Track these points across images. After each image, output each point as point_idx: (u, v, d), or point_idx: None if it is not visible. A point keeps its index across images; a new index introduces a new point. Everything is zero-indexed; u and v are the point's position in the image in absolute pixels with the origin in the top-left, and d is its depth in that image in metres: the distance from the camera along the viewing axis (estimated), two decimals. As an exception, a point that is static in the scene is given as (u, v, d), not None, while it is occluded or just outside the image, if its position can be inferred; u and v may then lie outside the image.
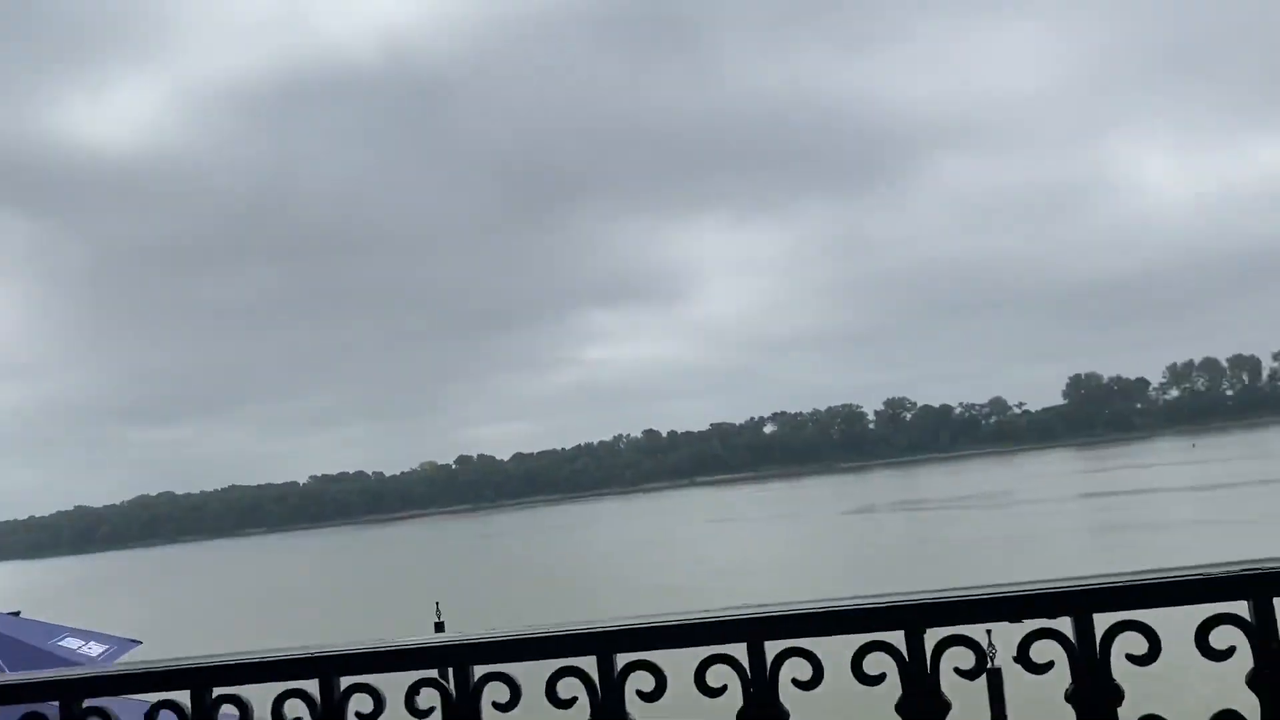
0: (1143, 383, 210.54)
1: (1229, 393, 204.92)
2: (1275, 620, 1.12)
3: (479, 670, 1.29)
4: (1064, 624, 1.16)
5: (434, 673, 1.30)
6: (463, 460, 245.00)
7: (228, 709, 1.36)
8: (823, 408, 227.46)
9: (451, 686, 1.29)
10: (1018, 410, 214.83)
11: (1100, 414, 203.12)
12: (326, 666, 1.29)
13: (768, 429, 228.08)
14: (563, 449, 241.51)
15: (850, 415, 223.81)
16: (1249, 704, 1.13)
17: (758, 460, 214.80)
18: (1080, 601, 1.15)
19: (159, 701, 1.36)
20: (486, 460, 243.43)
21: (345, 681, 1.32)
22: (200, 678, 1.35)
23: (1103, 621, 1.15)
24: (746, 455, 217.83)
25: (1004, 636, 1.19)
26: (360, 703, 1.31)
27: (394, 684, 1.32)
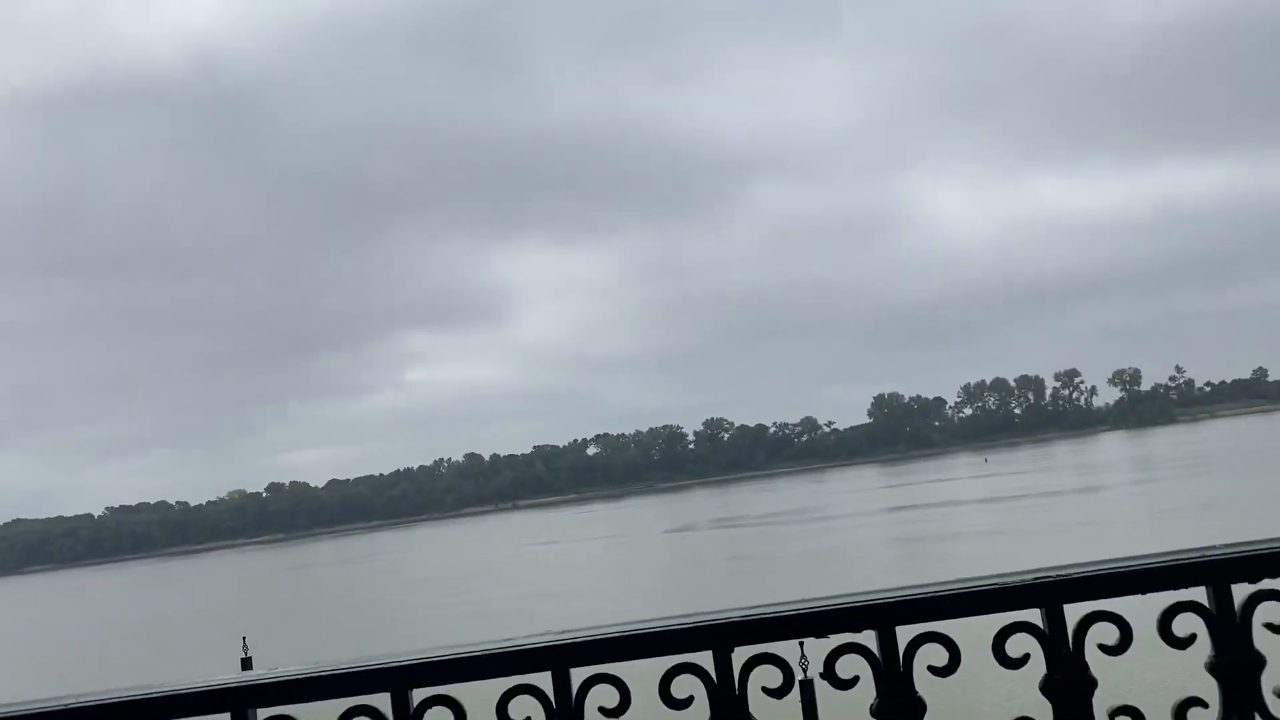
0: (940, 401, 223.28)
1: (1017, 411, 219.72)
2: (1065, 627, 1.15)
3: (264, 714, 1.18)
4: (869, 638, 1.16)
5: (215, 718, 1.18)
6: (274, 488, 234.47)
7: None
8: (644, 428, 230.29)
9: (231, 735, 1.17)
10: (827, 429, 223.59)
11: (902, 431, 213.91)
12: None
13: (590, 450, 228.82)
14: (381, 474, 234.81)
15: (671, 435, 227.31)
16: (1043, 709, 1.16)
17: (580, 482, 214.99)
18: (883, 615, 1.16)
19: None
20: (300, 487, 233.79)
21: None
22: None
23: (905, 634, 1.16)
24: (569, 477, 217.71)
25: (814, 651, 1.18)
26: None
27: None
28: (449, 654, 1.15)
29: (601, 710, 1.16)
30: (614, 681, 1.15)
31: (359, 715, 1.15)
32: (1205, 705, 1.14)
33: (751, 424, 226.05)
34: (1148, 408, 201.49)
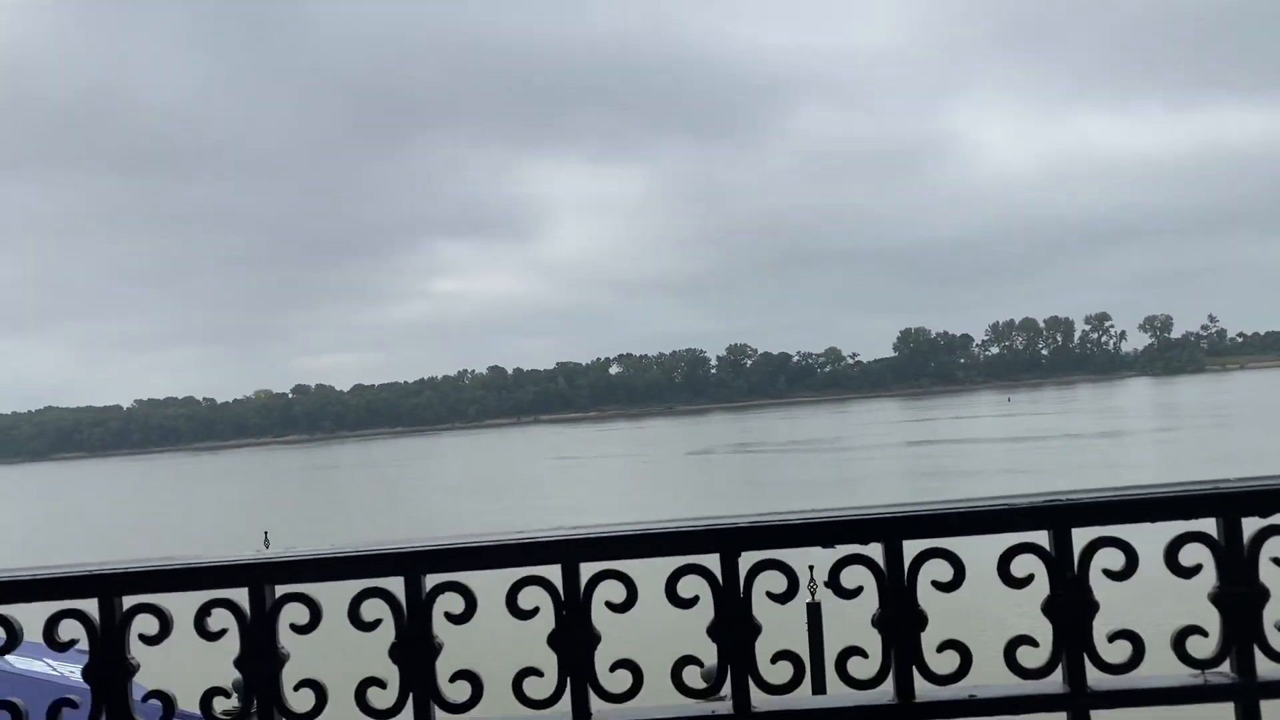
0: (967, 339, 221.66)
1: (1044, 352, 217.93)
2: (1072, 551, 1.16)
3: (279, 590, 1.22)
4: (875, 550, 1.17)
5: (232, 591, 1.22)
6: (300, 390, 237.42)
7: None
8: (667, 351, 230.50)
9: (247, 607, 1.21)
10: (851, 361, 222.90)
11: (926, 367, 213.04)
12: (107, 585, 1.19)
13: (613, 369, 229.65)
14: (405, 382, 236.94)
15: (694, 359, 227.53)
16: (1043, 629, 1.17)
17: (601, 400, 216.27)
18: (890, 529, 1.17)
19: None
20: (325, 390, 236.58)
21: (128, 602, 1.22)
22: None
23: (911, 549, 1.17)
24: (591, 395, 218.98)
25: (820, 560, 1.20)
26: (145, 624, 1.22)
27: (186, 603, 1.23)
28: (462, 542, 1.18)
29: (608, 605, 1.18)
30: (621, 578, 1.17)
31: (372, 596, 1.18)
32: (1205, 634, 1.14)
33: (775, 352, 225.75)
34: (1176, 355, 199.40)
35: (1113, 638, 1.15)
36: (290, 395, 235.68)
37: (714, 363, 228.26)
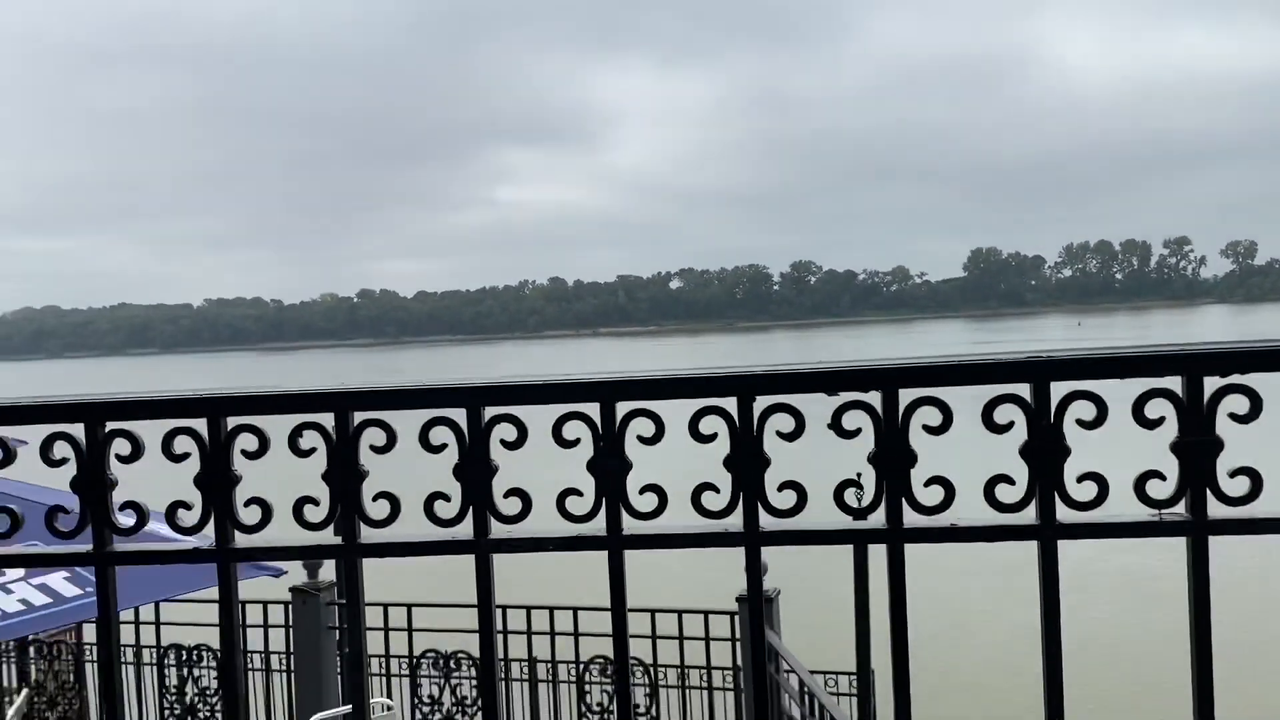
0: (1039, 260, 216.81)
1: (1119, 275, 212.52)
2: (1049, 402, 1.31)
3: (360, 416, 1.42)
4: (874, 398, 1.33)
5: (318, 416, 1.42)
6: (365, 294, 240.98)
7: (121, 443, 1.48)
8: (729, 266, 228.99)
9: (333, 430, 1.41)
10: (919, 280, 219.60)
11: (996, 288, 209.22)
12: (216, 406, 1.41)
13: (674, 284, 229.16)
14: (468, 290, 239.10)
15: (756, 275, 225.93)
16: (1020, 470, 1.33)
17: (661, 314, 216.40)
18: (888, 379, 1.33)
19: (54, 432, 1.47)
20: (389, 296, 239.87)
21: (232, 422, 1.44)
22: (96, 413, 1.46)
23: (906, 396, 1.33)
24: (650, 308, 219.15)
25: (824, 405, 1.36)
26: (245, 441, 1.43)
27: (282, 425, 1.44)
28: (516, 381, 1.36)
29: (639, 438, 1.36)
30: (651, 416, 1.35)
31: (439, 424, 1.37)
32: (1164, 479, 1.29)
33: (840, 269, 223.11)
34: (1259, 283, 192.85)
35: (1081, 479, 1.30)
36: (355, 299, 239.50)
37: (777, 279, 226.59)
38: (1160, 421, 1.28)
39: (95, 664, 7.63)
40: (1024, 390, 1.29)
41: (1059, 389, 1.29)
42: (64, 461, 1.45)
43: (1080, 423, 1.29)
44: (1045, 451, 1.29)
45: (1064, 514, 1.32)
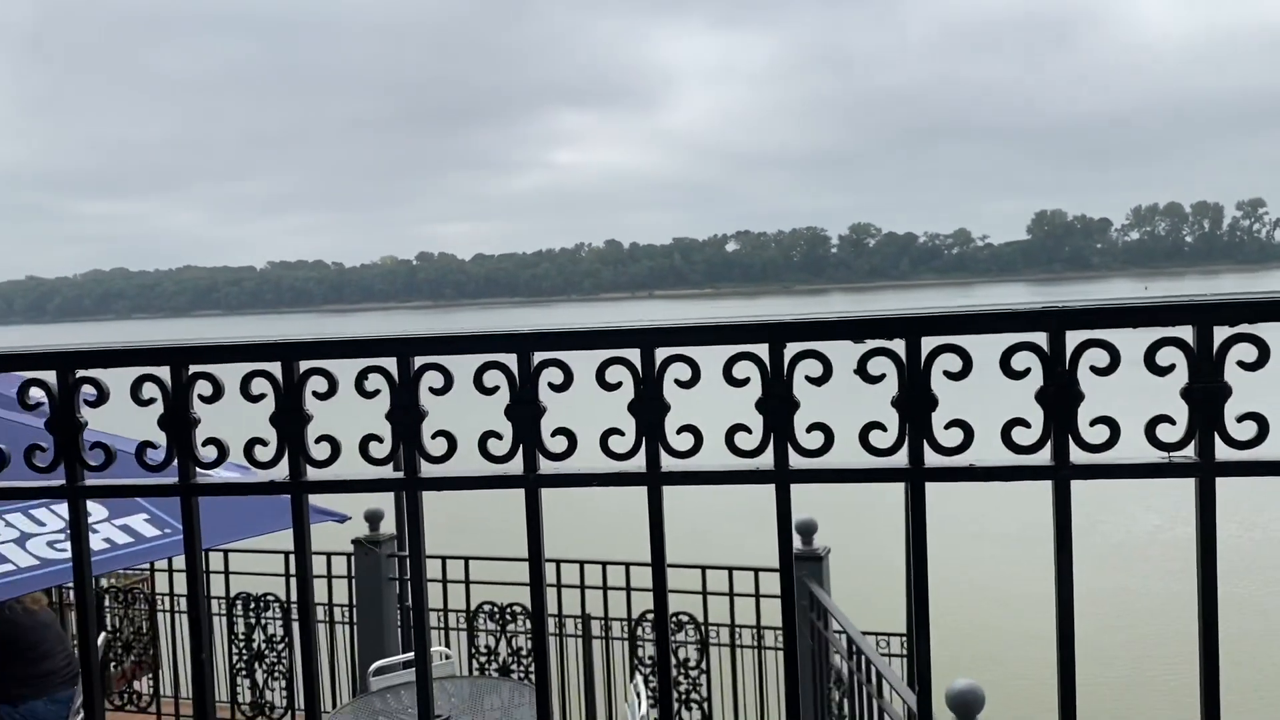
0: (1105, 223, 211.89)
1: (1189, 239, 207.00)
2: (1065, 349, 1.38)
3: (419, 360, 1.54)
4: (898, 345, 1.42)
5: (382, 360, 1.54)
6: (424, 257, 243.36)
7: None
8: (787, 229, 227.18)
9: (396, 374, 1.53)
10: (980, 243, 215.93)
11: (1060, 251, 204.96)
12: (289, 351, 1.54)
13: (730, 246, 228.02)
14: (524, 253, 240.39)
15: (813, 238, 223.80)
16: (1035, 414, 1.41)
17: (717, 277, 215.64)
18: (912, 327, 1.41)
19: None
20: (447, 258, 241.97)
21: (303, 365, 1.57)
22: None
23: (928, 343, 1.41)
24: (706, 271, 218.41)
25: (850, 351, 1.45)
26: (315, 384, 1.56)
27: (347, 369, 1.56)
28: (564, 328, 1.47)
29: (677, 382, 1.45)
30: (688, 361, 1.45)
31: (492, 368, 1.48)
32: (1173, 423, 1.36)
33: (900, 232, 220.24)
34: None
35: (1094, 423, 1.37)
36: (414, 262, 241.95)
37: (835, 242, 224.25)
38: (1171, 369, 1.34)
39: (168, 612, 7.99)
40: (1041, 339, 1.36)
41: (1074, 336, 1.36)
42: (152, 401, 1.59)
43: (1094, 369, 1.36)
44: (1060, 397, 1.36)
45: (1077, 455, 1.39)
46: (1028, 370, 1.37)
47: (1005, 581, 14.49)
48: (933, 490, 1.45)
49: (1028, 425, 1.39)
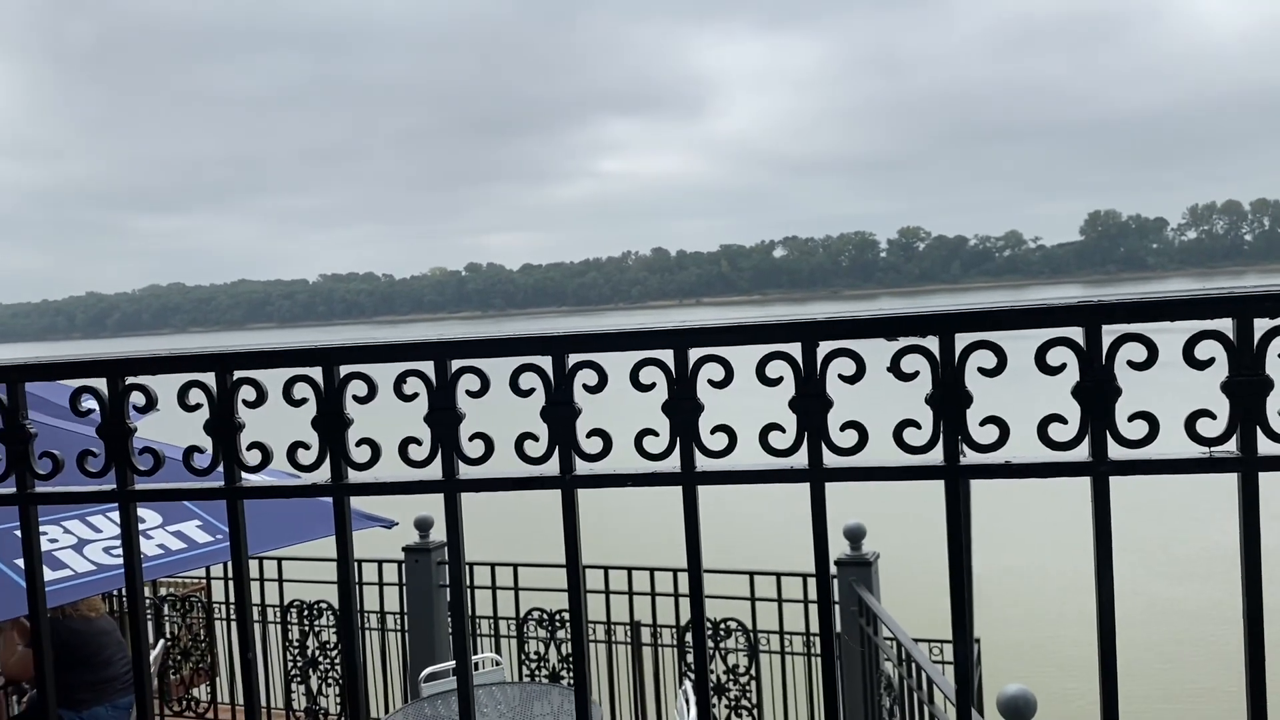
0: (1161, 222, 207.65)
1: (1248, 237, 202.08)
2: (1101, 344, 1.37)
3: (456, 364, 1.56)
4: (931, 342, 1.41)
5: (420, 364, 1.57)
6: (472, 268, 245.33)
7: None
8: (835, 234, 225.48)
9: (434, 377, 1.56)
10: (1033, 245, 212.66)
11: (1115, 252, 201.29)
12: (328, 357, 1.57)
13: (777, 252, 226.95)
14: (571, 262, 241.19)
15: (862, 243, 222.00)
16: (1072, 410, 1.39)
17: (764, 283, 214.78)
18: (945, 324, 1.40)
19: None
20: (496, 269, 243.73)
21: (344, 370, 1.60)
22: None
23: (961, 340, 1.40)
24: (754, 277, 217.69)
25: (883, 349, 1.44)
26: (356, 387, 1.59)
27: (386, 372, 1.59)
28: (598, 330, 1.48)
29: (710, 382, 1.46)
30: (721, 361, 1.45)
31: (527, 371, 1.50)
32: (1214, 417, 1.33)
33: (950, 235, 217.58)
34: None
35: (1132, 418, 1.36)
36: (463, 272, 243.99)
37: (884, 246, 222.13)
38: (1210, 362, 1.32)
39: (225, 620, 8.12)
40: (1077, 334, 1.35)
41: (1111, 331, 1.34)
42: (198, 407, 1.62)
43: (1131, 364, 1.34)
44: (1097, 392, 1.35)
45: (1115, 451, 1.37)
46: (1063, 366, 1.36)
47: (1062, 582, 14.25)
48: (982, 489, 1.44)
49: (1064, 421, 1.37)
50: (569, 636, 7.03)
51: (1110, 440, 1.36)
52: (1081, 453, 1.38)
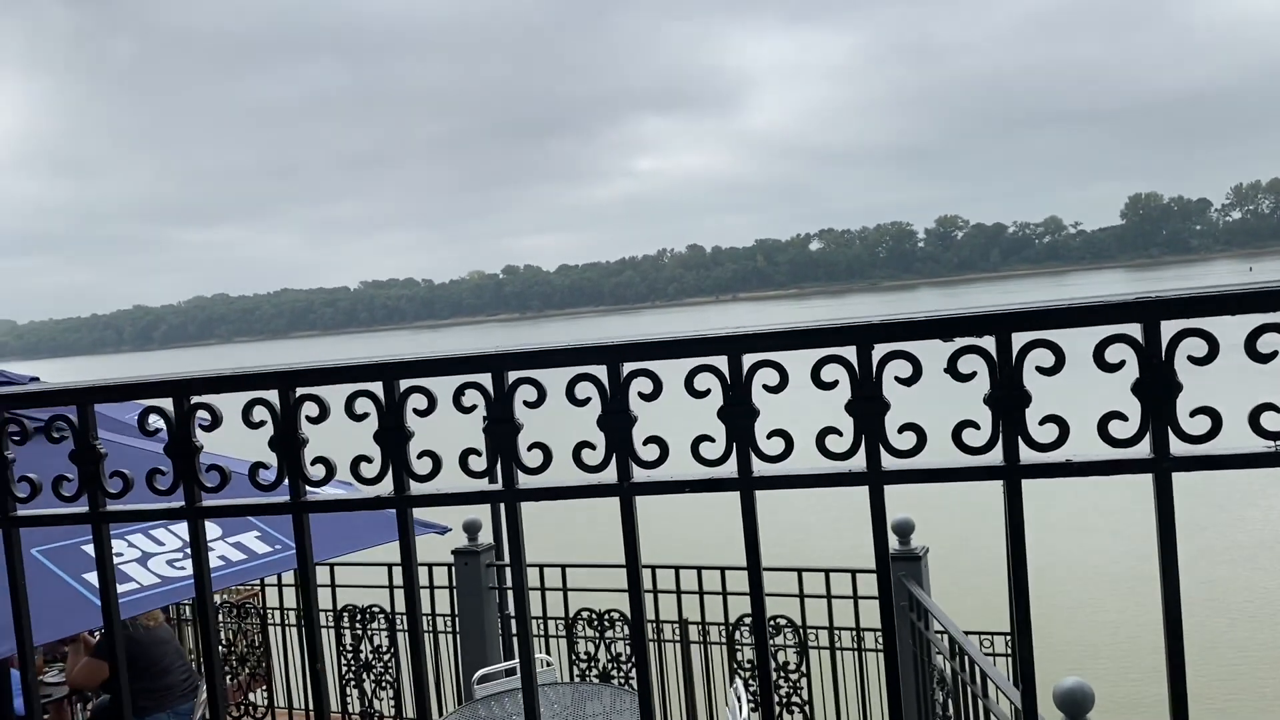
0: (1204, 203, 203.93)
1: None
2: (1160, 340, 1.36)
3: (513, 375, 1.58)
4: (987, 342, 1.40)
5: (478, 376, 1.59)
6: (509, 270, 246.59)
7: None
8: (871, 225, 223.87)
9: (491, 389, 1.58)
10: (1073, 230, 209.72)
11: (1157, 235, 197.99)
12: (387, 371, 1.60)
13: (813, 245, 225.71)
14: (607, 262, 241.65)
15: (899, 233, 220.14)
16: (1131, 407, 1.38)
17: (801, 277, 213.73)
18: (1002, 323, 1.40)
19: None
20: (533, 271, 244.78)
21: (404, 384, 1.62)
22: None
23: (1019, 339, 1.39)
24: (790, 271, 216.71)
25: (939, 350, 1.44)
26: (416, 401, 1.61)
27: (446, 385, 1.62)
28: (652, 338, 1.49)
29: (765, 387, 1.47)
30: (776, 366, 1.46)
31: (583, 380, 1.51)
32: (1278, 410, 1.32)
33: (989, 223, 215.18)
34: None
35: (1194, 414, 1.34)
36: (501, 276, 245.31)
37: (921, 236, 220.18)
38: (1273, 355, 1.30)
39: (280, 625, 8.24)
40: (1135, 330, 1.33)
41: (1170, 327, 1.33)
42: (263, 424, 1.66)
43: (1192, 359, 1.33)
44: (1157, 388, 1.34)
45: (1177, 447, 1.36)
46: (1122, 363, 1.35)
47: (1110, 576, 14.07)
48: (1033, 485, 1.44)
49: (1125, 418, 1.37)
50: (619, 636, 7.06)
51: (1172, 436, 1.35)
52: (1143, 449, 1.37)
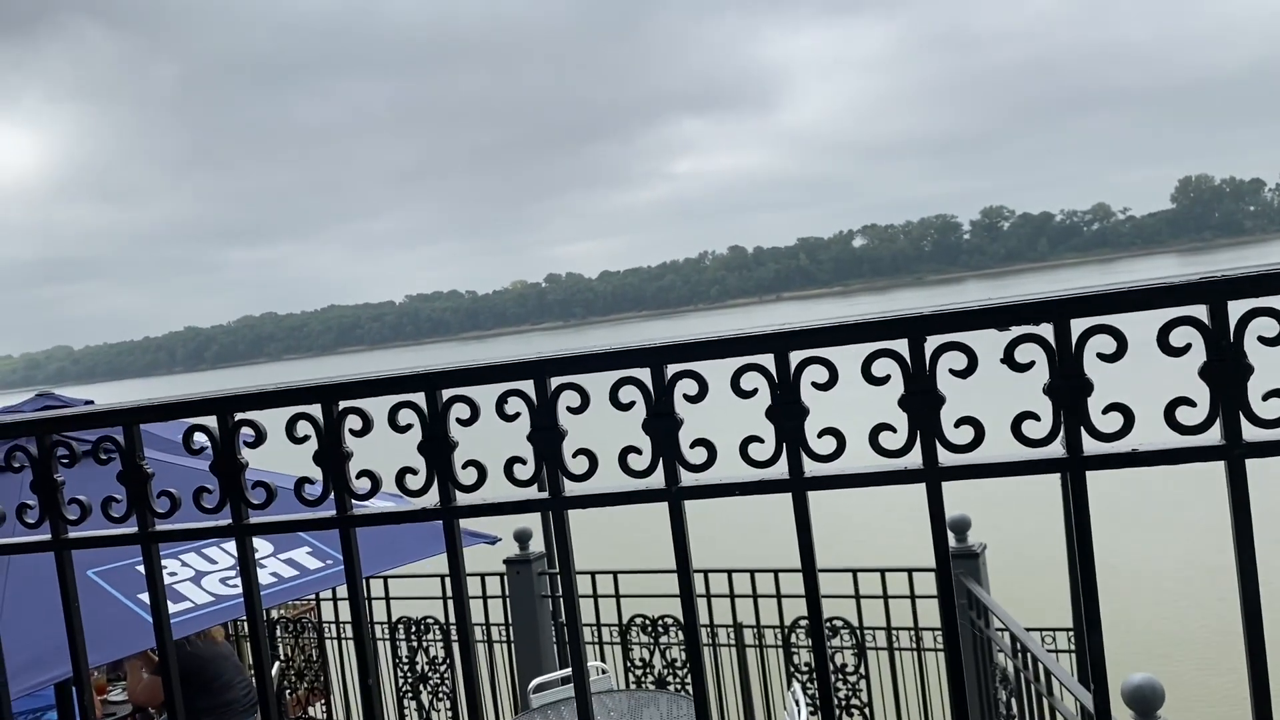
0: (1257, 184, 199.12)
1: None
2: (1228, 322, 1.29)
3: (556, 381, 1.55)
4: (1045, 330, 1.35)
5: (520, 383, 1.57)
6: (552, 279, 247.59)
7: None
8: (915, 219, 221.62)
9: (533, 394, 1.55)
10: (1122, 216, 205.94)
11: (1209, 218, 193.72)
12: (429, 383, 1.58)
13: (857, 242, 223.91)
14: (649, 266, 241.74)
15: (944, 226, 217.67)
16: (1200, 392, 1.32)
17: (845, 274, 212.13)
18: (1059, 310, 1.34)
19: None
20: (575, 278, 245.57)
21: (446, 394, 1.60)
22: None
23: (1078, 326, 1.34)
24: (834, 269, 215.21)
25: (995, 340, 1.39)
26: (459, 410, 1.59)
27: (489, 393, 1.59)
28: (696, 338, 1.45)
29: (814, 384, 1.42)
30: (825, 363, 1.41)
31: (628, 384, 1.48)
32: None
33: (1035, 211, 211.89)
34: None
35: (1266, 397, 1.28)
36: (543, 284, 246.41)
37: (967, 228, 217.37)
38: (1186, 349, 1.24)
39: (336, 640, 8.31)
40: (1201, 312, 1.27)
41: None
42: (306, 439, 1.65)
43: (1263, 340, 1.26)
44: (1226, 371, 1.28)
45: (1250, 432, 1.30)
46: (1188, 346, 1.29)
47: (1173, 568, 13.77)
48: (1092, 478, 1.38)
49: (1193, 404, 1.31)
50: (674, 641, 7.02)
51: (1244, 420, 1.29)
52: (1214, 436, 1.31)
